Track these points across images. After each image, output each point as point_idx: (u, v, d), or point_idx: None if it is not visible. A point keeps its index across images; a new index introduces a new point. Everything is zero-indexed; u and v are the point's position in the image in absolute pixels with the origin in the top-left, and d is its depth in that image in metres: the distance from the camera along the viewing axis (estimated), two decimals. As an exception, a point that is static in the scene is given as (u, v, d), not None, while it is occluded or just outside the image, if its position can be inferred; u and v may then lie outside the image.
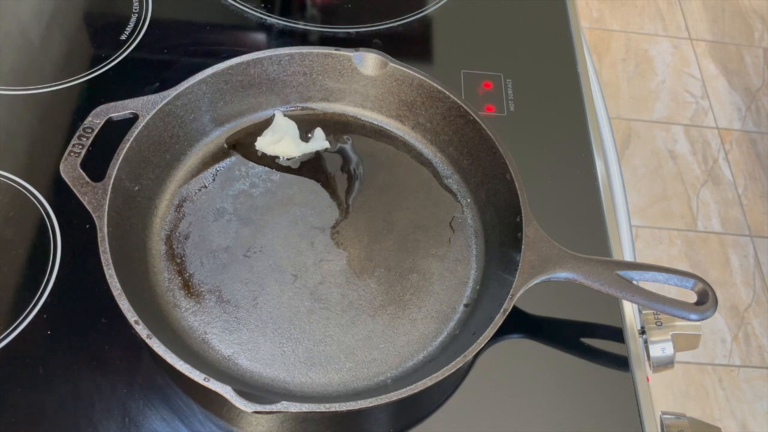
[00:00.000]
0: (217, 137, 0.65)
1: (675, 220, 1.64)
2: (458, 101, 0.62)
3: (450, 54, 0.77)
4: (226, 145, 0.64)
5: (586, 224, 0.65)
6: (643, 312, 0.59)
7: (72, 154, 0.56)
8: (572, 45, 0.77)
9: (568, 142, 0.71)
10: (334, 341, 0.55)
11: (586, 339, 0.59)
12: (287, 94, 0.66)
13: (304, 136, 0.65)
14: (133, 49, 0.73)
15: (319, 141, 0.65)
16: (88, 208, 0.53)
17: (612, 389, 0.56)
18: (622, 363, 0.57)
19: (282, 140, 0.63)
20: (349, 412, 0.52)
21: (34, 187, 0.61)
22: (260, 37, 0.78)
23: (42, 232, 0.59)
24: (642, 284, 0.54)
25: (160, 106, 0.59)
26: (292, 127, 0.64)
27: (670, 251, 1.59)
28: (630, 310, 0.60)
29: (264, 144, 0.64)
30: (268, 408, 0.45)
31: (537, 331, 0.58)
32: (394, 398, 0.47)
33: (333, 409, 0.47)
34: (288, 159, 0.64)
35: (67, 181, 0.54)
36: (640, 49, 1.94)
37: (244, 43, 0.77)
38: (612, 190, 0.69)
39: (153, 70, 0.71)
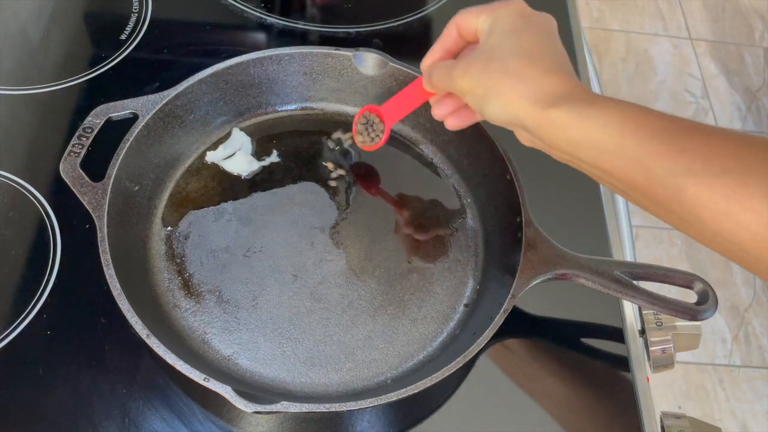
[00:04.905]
0: (216, 137, 0.65)
1: (675, 220, 1.64)
2: (458, 101, 0.62)
3: (450, 54, 0.77)
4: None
5: (586, 224, 0.65)
6: (643, 312, 0.59)
7: (72, 154, 0.56)
8: (572, 45, 0.77)
9: (568, 142, 0.71)
10: (334, 341, 0.55)
11: (586, 339, 0.59)
12: (287, 93, 0.66)
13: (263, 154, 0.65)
14: (133, 49, 0.73)
15: (272, 157, 0.64)
16: (88, 208, 0.53)
17: (612, 389, 0.56)
18: (622, 363, 0.57)
19: (233, 157, 0.63)
20: (349, 412, 0.52)
21: (34, 187, 0.61)
22: (260, 37, 0.78)
23: (42, 232, 0.59)
24: (642, 284, 0.54)
25: (160, 106, 0.59)
26: (246, 144, 0.64)
27: (670, 251, 1.59)
28: (630, 310, 0.60)
29: (214, 157, 0.63)
30: (268, 408, 0.45)
31: (537, 331, 0.58)
32: (394, 398, 0.47)
33: (333, 409, 0.47)
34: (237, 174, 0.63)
35: (67, 181, 0.54)
36: (641, 49, 1.94)
37: (244, 43, 0.77)
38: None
39: (153, 70, 0.71)
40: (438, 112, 0.55)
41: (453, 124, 0.55)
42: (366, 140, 0.61)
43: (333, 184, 0.63)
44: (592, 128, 0.42)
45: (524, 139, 0.47)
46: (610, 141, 0.41)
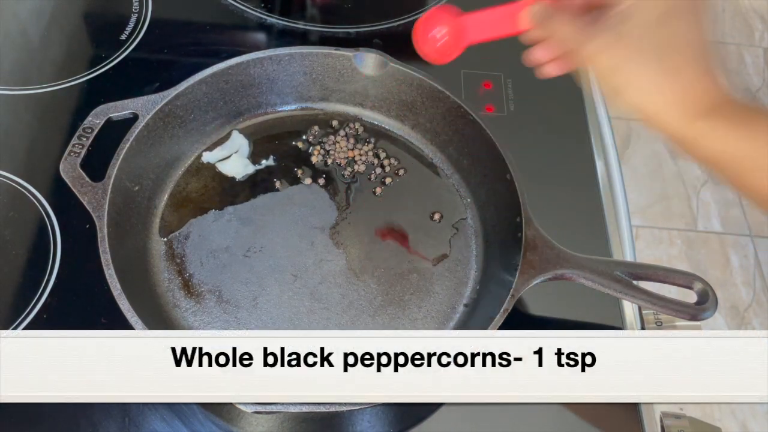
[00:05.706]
0: (217, 137, 0.65)
1: (675, 220, 1.64)
2: (458, 101, 0.62)
3: (450, 54, 0.77)
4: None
5: (586, 224, 0.65)
6: (643, 312, 0.59)
7: (72, 154, 0.56)
8: (572, 45, 0.77)
9: (569, 142, 0.71)
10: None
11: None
12: (287, 94, 0.66)
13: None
14: (133, 49, 0.73)
15: (269, 161, 0.64)
16: (88, 208, 0.53)
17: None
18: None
19: (228, 159, 0.63)
20: (350, 412, 0.52)
21: (34, 187, 0.61)
22: (260, 37, 0.78)
23: (42, 232, 0.59)
24: (642, 284, 0.54)
25: (160, 106, 0.59)
26: (244, 147, 0.64)
27: (670, 251, 1.59)
28: (630, 310, 0.60)
29: (210, 158, 0.63)
30: (268, 408, 0.45)
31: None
32: (394, 398, 0.47)
33: (333, 409, 0.46)
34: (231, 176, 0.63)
35: (67, 181, 0.54)
36: (641, 49, 1.94)
37: (244, 43, 0.77)
38: (612, 190, 0.69)
39: (153, 70, 0.71)
40: (537, 55, 0.48)
41: (550, 71, 0.48)
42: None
43: (321, 182, 0.63)
44: (739, 146, 0.40)
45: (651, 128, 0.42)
46: (757, 162, 0.39)
